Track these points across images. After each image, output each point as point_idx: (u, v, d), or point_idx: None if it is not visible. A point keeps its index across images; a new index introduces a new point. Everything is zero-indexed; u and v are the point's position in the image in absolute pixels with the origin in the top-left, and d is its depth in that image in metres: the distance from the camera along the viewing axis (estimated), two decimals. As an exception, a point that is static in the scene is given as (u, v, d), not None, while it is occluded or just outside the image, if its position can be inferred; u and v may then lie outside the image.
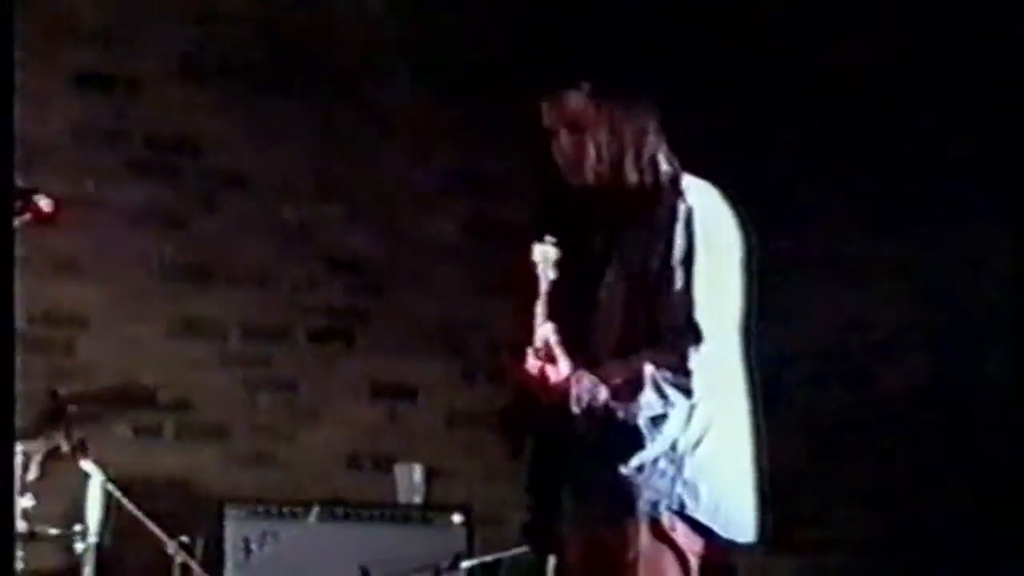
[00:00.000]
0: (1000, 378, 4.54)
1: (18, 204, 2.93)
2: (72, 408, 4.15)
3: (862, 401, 4.97)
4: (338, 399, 5.21)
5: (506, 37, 5.40)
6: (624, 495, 2.88)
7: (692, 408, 2.88)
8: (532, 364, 2.90)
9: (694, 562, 2.91)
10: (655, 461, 2.88)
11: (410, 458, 5.04)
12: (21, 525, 4.01)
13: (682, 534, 2.89)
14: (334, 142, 5.31)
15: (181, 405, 4.98)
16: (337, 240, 5.30)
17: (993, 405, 4.56)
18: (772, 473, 3.01)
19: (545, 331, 2.92)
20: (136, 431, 4.88)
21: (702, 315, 2.87)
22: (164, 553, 4.10)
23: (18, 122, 4.77)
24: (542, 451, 3.01)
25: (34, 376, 4.64)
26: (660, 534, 2.88)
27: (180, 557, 4.11)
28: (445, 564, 4.40)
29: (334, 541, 4.56)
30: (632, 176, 3.00)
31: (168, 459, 4.92)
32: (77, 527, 4.05)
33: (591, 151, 3.00)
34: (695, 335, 2.86)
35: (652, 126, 3.04)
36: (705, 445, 2.90)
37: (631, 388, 2.85)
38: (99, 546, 4.05)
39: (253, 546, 4.49)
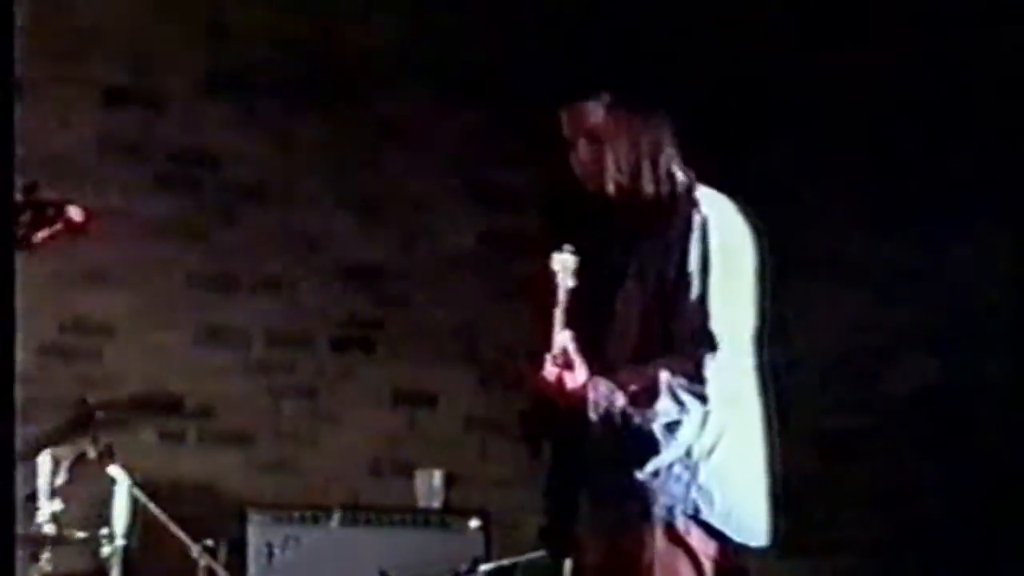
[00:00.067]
0: (1001, 378, 4.54)
1: (50, 213, 2.97)
2: (100, 414, 4.21)
3: (868, 404, 4.97)
4: (359, 406, 5.24)
5: (522, 48, 5.42)
6: (640, 500, 2.91)
7: (706, 415, 2.90)
8: (550, 371, 2.94)
9: (708, 565, 2.94)
10: (670, 466, 2.91)
11: (429, 464, 5.04)
12: (50, 528, 4.07)
13: (696, 538, 2.93)
14: (351, 154, 5.35)
15: (205, 412, 5.03)
16: (356, 250, 5.34)
17: (994, 406, 4.57)
18: (783, 478, 3.03)
19: (563, 338, 2.95)
20: (162, 437, 4.93)
21: (717, 323, 2.91)
22: (188, 556, 4.14)
23: (47, 136, 4.88)
24: (559, 456, 3.04)
25: (63, 383, 4.74)
26: (675, 538, 2.91)
27: (204, 560, 4.14)
28: (463, 567, 4.40)
29: (355, 545, 4.58)
30: (649, 186, 3.03)
31: (193, 464, 4.97)
32: (104, 531, 4.09)
33: (610, 162, 3.04)
34: (710, 343, 2.90)
35: (667, 136, 3.07)
36: (719, 451, 2.93)
37: (647, 395, 2.88)
38: (125, 549, 4.09)
39: (276, 550, 4.50)
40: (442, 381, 5.36)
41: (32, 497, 4.08)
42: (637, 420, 2.90)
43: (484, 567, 4.47)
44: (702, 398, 2.90)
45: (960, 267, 4.65)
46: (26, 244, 2.89)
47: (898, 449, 4.84)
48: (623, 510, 2.95)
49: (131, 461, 4.20)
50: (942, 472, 4.65)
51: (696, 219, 2.97)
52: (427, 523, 4.77)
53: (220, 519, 4.56)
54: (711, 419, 2.92)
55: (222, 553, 4.23)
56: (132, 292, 4.99)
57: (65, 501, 4.08)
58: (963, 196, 4.64)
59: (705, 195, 3.04)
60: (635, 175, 3.04)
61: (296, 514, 4.61)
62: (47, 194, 2.93)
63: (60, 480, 4.08)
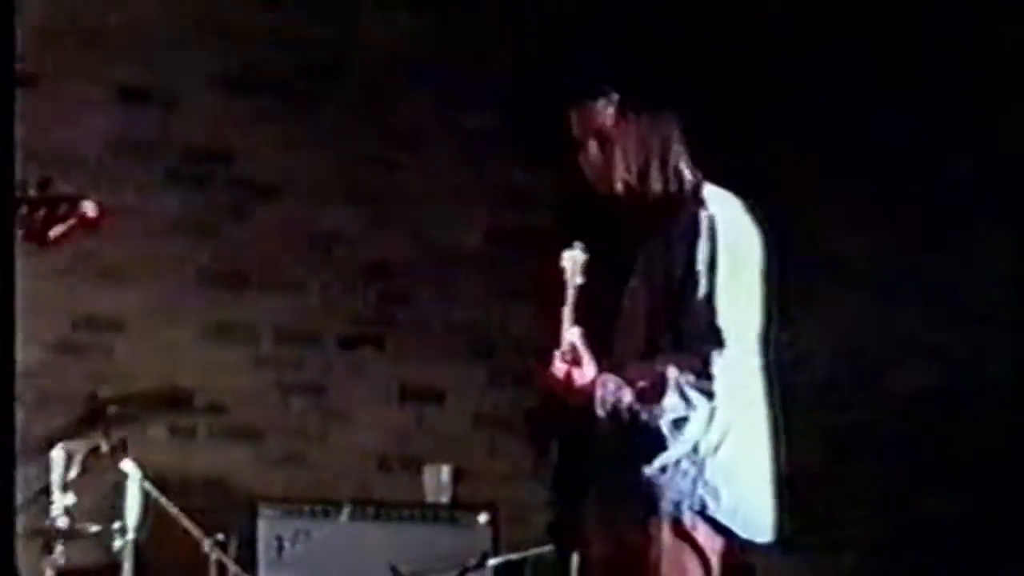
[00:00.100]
0: (1001, 378, 4.55)
1: (64, 209, 2.96)
2: (111, 410, 4.25)
3: (870, 403, 4.97)
4: (368, 402, 5.26)
5: (532, 48, 5.45)
6: (647, 495, 2.94)
7: (713, 411, 2.92)
8: (558, 367, 2.96)
9: (714, 561, 2.96)
10: (677, 462, 2.93)
11: (438, 459, 5.05)
12: (63, 522, 4.11)
13: (703, 534, 2.95)
14: (361, 152, 5.37)
15: (216, 407, 5.05)
16: (366, 248, 5.36)
17: (994, 406, 4.57)
18: (786, 476, 3.05)
19: (572, 335, 2.97)
20: (173, 432, 4.96)
21: (724, 321, 2.93)
22: (199, 550, 4.17)
23: (61, 132, 4.91)
24: (567, 452, 3.05)
25: (75, 379, 4.78)
26: (682, 533, 2.93)
27: (215, 554, 4.17)
28: (472, 562, 4.41)
29: (364, 540, 4.60)
30: (657, 185, 3.06)
31: (203, 459, 5.00)
32: (116, 524, 4.12)
33: (619, 161, 3.06)
34: (717, 340, 2.92)
35: (675, 135, 3.09)
36: (726, 447, 2.95)
37: (655, 391, 2.91)
38: (137, 543, 4.13)
39: (286, 544, 4.52)
40: (451, 377, 5.38)
41: (45, 491, 4.11)
42: (644, 416, 2.92)
43: (492, 562, 4.49)
44: (709, 395, 2.92)
45: (960, 267, 4.65)
46: (41, 240, 2.90)
47: (900, 448, 4.84)
48: (630, 505, 2.97)
49: (143, 456, 4.24)
50: (943, 472, 4.65)
51: (703, 217, 2.99)
52: (436, 518, 4.78)
53: (231, 513, 4.58)
54: (718, 416, 2.94)
55: (232, 547, 4.26)
56: (143, 289, 5.02)
57: (78, 495, 4.12)
58: (963, 196, 4.64)
59: (713, 194, 3.06)
60: (643, 174, 3.06)
61: (306, 508, 4.63)
62: (61, 189, 2.94)
63: (73, 474, 4.11)
